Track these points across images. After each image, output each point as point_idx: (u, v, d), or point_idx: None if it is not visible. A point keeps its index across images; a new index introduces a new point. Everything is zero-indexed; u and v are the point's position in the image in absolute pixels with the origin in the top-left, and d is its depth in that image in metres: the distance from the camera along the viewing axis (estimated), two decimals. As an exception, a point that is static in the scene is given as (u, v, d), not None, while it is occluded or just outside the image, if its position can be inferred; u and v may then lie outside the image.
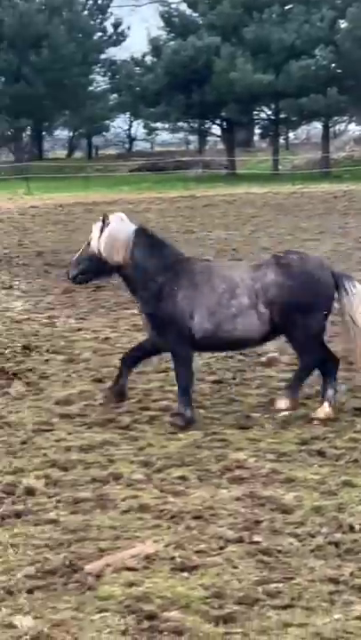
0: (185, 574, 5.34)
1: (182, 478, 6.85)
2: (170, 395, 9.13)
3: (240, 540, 5.76)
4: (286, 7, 53.60)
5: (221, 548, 5.66)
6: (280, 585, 5.17)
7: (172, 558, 5.52)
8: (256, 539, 5.77)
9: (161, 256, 8.52)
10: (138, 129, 79.06)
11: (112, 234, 8.44)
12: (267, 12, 52.00)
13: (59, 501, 6.48)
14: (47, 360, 10.79)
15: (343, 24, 50.39)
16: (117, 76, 61.57)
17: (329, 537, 5.77)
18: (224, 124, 59.88)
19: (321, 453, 7.35)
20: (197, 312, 8.29)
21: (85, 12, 65.44)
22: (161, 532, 5.93)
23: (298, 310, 8.28)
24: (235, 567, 5.40)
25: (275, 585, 5.17)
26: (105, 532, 5.94)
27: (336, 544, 5.67)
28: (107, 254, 8.40)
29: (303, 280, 8.35)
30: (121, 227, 8.57)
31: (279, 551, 5.59)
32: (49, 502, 6.48)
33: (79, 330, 12.54)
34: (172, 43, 55.51)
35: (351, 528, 5.88)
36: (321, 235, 23.87)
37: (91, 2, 66.52)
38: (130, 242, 8.44)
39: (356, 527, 5.88)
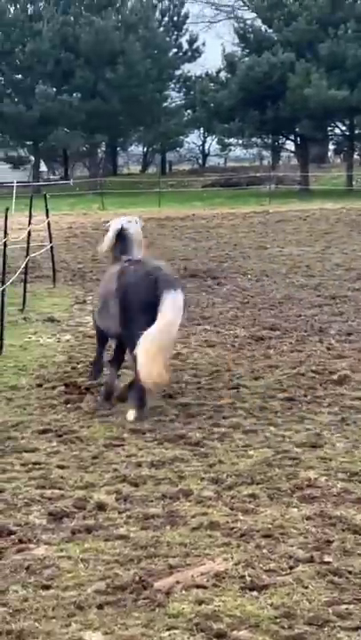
0: (255, 593, 5.32)
1: (252, 496, 6.83)
2: (240, 412, 9.13)
3: (310, 560, 5.72)
4: (362, 23, 53.35)
5: (291, 568, 5.63)
6: (351, 606, 5.12)
7: (242, 577, 5.50)
8: (327, 559, 5.72)
9: (119, 255, 9.97)
10: (211, 145, 79.51)
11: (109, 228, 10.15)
12: (342, 27, 51.82)
13: (129, 517, 6.51)
14: (119, 375, 10.83)
15: None
16: (192, 92, 61.93)
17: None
18: (298, 139, 59.77)
19: (393, 474, 7.27)
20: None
21: (161, 29, 65.94)
22: (231, 549, 5.91)
23: (124, 310, 9.35)
24: (305, 587, 5.36)
25: (345, 606, 5.13)
26: (175, 549, 5.94)
27: None
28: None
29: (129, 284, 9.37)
30: (114, 225, 10.15)
31: (350, 572, 5.54)
32: (119, 518, 6.51)
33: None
34: (246, 59, 55.62)
35: None
36: (395, 252, 23.67)
37: (166, 19, 67.02)
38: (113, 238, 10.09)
39: None
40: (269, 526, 6.25)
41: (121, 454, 7.90)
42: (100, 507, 6.68)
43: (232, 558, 5.76)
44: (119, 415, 9.08)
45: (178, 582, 5.43)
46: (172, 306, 9.13)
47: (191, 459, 7.75)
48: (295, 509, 6.57)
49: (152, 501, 6.80)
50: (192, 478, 7.25)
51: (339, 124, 59.72)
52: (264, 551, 5.86)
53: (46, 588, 5.46)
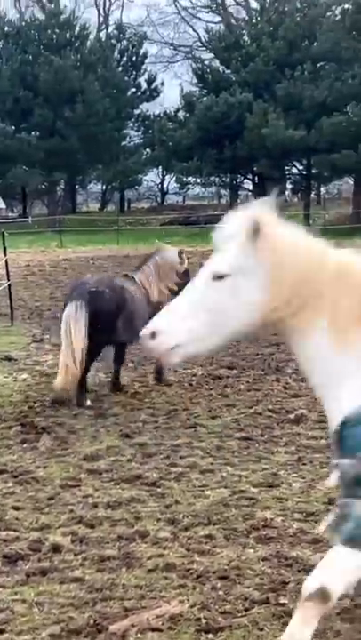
0: (210, 636, 5.30)
1: (209, 537, 6.81)
2: (198, 451, 9.13)
3: (266, 602, 5.72)
4: (318, 65, 54.07)
5: (247, 610, 5.62)
6: (306, 648, 5.12)
7: (198, 619, 5.49)
8: (282, 600, 5.72)
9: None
10: (170, 183, 79.96)
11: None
12: (299, 69, 52.53)
13: (85, 559, 6.47)
14: (76, 414, 10.81)
15: (375, 81, 50.77)
16: (150, 131, 62.28)
17: (356, 599, 5.71)
18: (256, 178, 60.29)
19: (349, 513, 7.28)
20: None
21: (120, 69, 66.38)
22: (186, 591, 5.89)
23: None
24: (260, 629, 5.36)
25: (300, 648, 5.11)
26: (130, 592, 5.91)
27: (364, 607, 5.62)
28: None
29: None
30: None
31: (305, 614, 5.54)
32: (75, 560, 6.46)
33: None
34: (204, 98, 56.13)
35: (378, 593, 5.82)
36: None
37: (125, 58, 67.51)
38: None
39: (383, 590, 5.82)
40: (225, 567, 6.24)
41: (77, 495, 7.85)
42: (56, 548, 6.63)
43: (188, 600, 5.74)
44: (76, 455, 9.04)
45: (133, 625, 5.40)
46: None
47: (148, 499, 7.72)
48: (251, 550, 6.57)
49: (108, 543, 6.76)
50: (149, 519, 7.23)
51: (296, 164, 60.36)
52: (220, 593, 5.85)
53: (0, 632, 5.40)
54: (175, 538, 6.83)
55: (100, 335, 11.33)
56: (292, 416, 10.45)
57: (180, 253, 12.61)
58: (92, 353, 11.31)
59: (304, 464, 8.69)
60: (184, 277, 11.67)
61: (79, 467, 8.67)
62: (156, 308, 10.40)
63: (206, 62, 63.08)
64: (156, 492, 7.92)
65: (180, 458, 8.93)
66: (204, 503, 7.58)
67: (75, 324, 11.09)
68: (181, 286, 11.18)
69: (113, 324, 11.44)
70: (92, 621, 5.46)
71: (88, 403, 11.22)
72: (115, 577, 6.14)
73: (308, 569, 6.18)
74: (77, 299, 11.22)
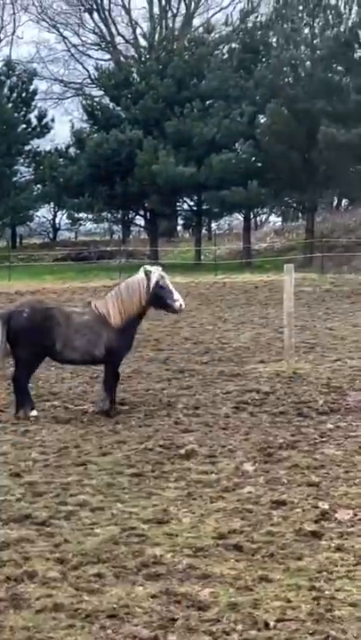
0: None
1: (98, 575, 6.78)
2: (88, 489, 9.09)
3: (155, 639, 5.71)
4: (207, 102, 54.80)
5: (136, 648, 5.60)
6: None
7: (86, 659, 5.44)
8: (171, 637, 5.72)
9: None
10: (62, 219, 79.79)
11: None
12: (188, 106, 53.15)
13: (-29, 602, 6.36)
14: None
15: (263, 119, 51.60)
16: (41, 167, 62.04)
17: (244, 634, 5.75)
18: (147, 214, 60.61)
19: (238, 547, 7.34)
20: None
21: (10, 105, 66.10)
22: (75, 631, 5.84)
23: None
24: (149, 667, 5.34)
25: None
26: (18, 633, 5.83)
27: (251, 641, 5.65)
28: None
29: None
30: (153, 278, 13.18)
31: (194, 650, 5.55)
32: None
33: (-2, 423, 12.43)
34: (95, 135, 56.25)
35: (266, 625, 5.86)
36: (242, 325, 24.14)
37: (15, 94, 67.26)
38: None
39: (271, 624, 5.87)
40: (114, 606, 6.21)
41: (-35, 536, 7.73)
42: None
43: (76, 640, 5.70)
44: (-37, 496, 8.90)
45: (20, 668, 5.33)
46: None
47: (37, 539, 7.64)
48: (141, 587, 6.56)
49: (-4, 585, 6.66)
50: (37, 559, 7.15)
51: (187, 200, 60.87)
52: (108, 632, 5.82)
53: None
54: (64, 577, 6.77)
55: (21, 350, 12.62)
56: (182, 451, 10.49)
57: (147, 272, 13.17)
58: (23, 366, 12.76)
59: (194, 499, 8.73)
60: (157, 295, 12.98)
61: (-33, 507, 8.54)
62: (120, 331, 12.77)
63: (96, 99, 63.21)
64: (46, 531, 7.84)
65: (71, 496, 8.88)
66: (94, 541, 7.54)
67: None
68: (161, 303, 12.97)
69: (33, 341, 12.51)
70: (-22, 666, 5.38)
71: (33, 413, 12.58)
72: (2, 619, 6.05)
73: (196, 604, 6.21)
74: None
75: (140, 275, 13.20)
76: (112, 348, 12.88)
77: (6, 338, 12.48)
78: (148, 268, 13.44)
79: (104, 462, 10.17)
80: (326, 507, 8.34)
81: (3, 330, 12.41)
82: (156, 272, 13.22)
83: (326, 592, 6.42)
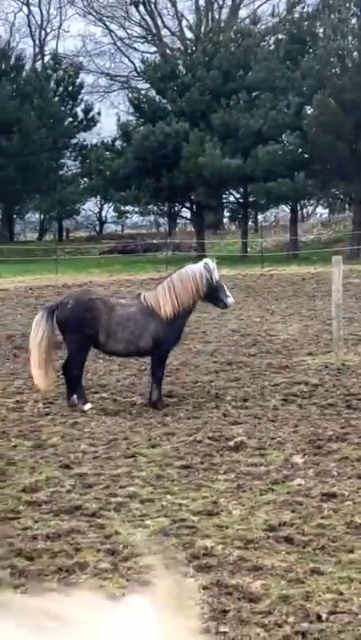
0: (151, 667, 5.25)
1: (149, 567, 6.79)
2: (137, 480, 9.11)
3: (207, 631, 5.69)
4: (253, 94, 54.60)
5: (188, 640, 5.59)
6: None
7: (138, 650, 5.44)
8: (223, 629, 5.71)
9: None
10: (108, 212, 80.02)
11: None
12: (234, 98, 53.00)
13: (24, 592, 6.39)
14: (15, 445, 10.73)
15: (309, 110, 51.28)
16: (88, 161, 62.24)
17: (296, 626, 5.73)
18: (193, 207, 60.56)
19: (288, 540, 7.32)
20: None
21: (56, 99, 66.40)
22: (127, 623, 5.84)
23: None
24: (201, 659, 5.33)
25: None
26: (70, 624, 5.85)
27: (303, 634, 5.63)
28: None
29: None
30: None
31: (246, 642, 5.55)
32: (14, 593, 6.39)
33: (47, 414, 12.49)
34: (141, 128, 56.28)
35: (318, 617, 5.84)
36: (290, 317, 24.05)
37: (61, 88, 67.55)
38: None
39: (323, 616, 5.85)
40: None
41: (16, 527, 7.78)
42: (-5, 582, 6.57)
43: (128, 632, 5.69)
44: (14, 487, 8.96)
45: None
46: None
47: (87, 530, 7.68)
48: (192, 579, 6.55)
49: (47, 575, 6.70)
50: (88, 550, 7.18)
51: (233, 192, 60.74)
52: (160, 623, 5.81)
53: None
54: (115, 568, 6.80)
55: (68, 341, 13.02)
56: (231, 443, 10.48)
57: (207, 265, 13.23)
58: (69, 357, 13.04)
59: (244, 491, 8.72)
60: (213, 288, 13.11)
61: (18, 498, 8.60)
62: (169, 323, 12.80)
63: (143, 92, 63.24)
64: (96, 522, 7.88)
65: (120, 488, 8.91)
66: (145, 533, 7.56)
67: (34, 330, 12.72)
68: (213, 297, 13.07)
69: (77, 332, 12.69)
70: (31, 656, 5.40)
71: (86, 407, 12.65)
72: (54, 610, 6.07)
73: (248, 596, 6.20)
74: (45, 308, 13.13)
75: (198, 266, 13.27)
76: (159, 340, 12.92)
77: (52, 329, 12.77)
78: (208, 260, 13.53)
79: (153, 454, 10.19)
80: (377, 499, 8.29)
81: (48, 322, 12.65)
82: (215, 265, 13.34)
83: (379, 585, 6.38)
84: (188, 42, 63.27)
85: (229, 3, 76.79)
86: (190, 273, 13.10)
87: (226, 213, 73.91)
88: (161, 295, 13.00)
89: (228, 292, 13.38)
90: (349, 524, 7.64)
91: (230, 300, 13.42)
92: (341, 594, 6.25)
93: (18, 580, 6.62)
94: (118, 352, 13.26)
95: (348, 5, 51.65)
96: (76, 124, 68.21)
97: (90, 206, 78.39)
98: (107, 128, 65.89)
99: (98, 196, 72.97)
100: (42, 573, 6.73)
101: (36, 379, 12.72)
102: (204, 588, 6.39)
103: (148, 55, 71.04)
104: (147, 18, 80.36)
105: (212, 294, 13.19)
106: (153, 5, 79.16)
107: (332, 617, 5.88)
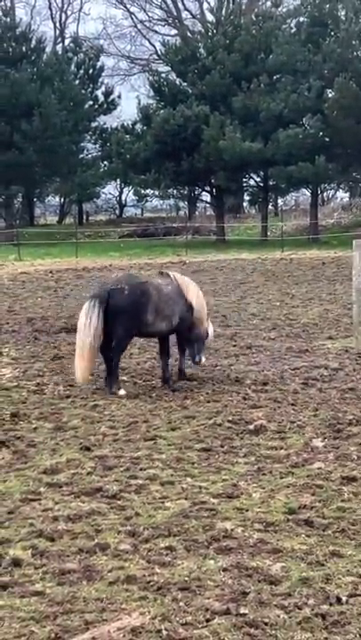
0: (171, 647, 5.30)
1: (169, 549, 6.82)
2: (157, 463, 9.14)
3: (227, 612, 5.73)
4: (274, 77, 54.39)
5: (208, 621, 5.63)
6: (267, 658, 5.14)
7: (159, 631, 5.49)
8: (243, 611, 5.74)
9: None
10: (128, 195, 79.98)
11: None
12: (255, 81, 52.80)
13: (45, 572, 6.45)
14: (35, 428, 10.78)
15: (331, 94, 51.01)
16: (108, 144, 62.19)
17: (316, 609, 5.75)
18: (213, 190, 60.45)
19: (308, 523, 7.33)
20: None
21: (77, 82, 66.33)
22: (147, 603, 5.90)
23: None
24: (221, 640, 5.37)
25: (261, 658, 5.14)
26: (91, 604, 5.90)
27: (323, 616, 5.65)
28: None
29: None
30: None
31: (266, 623, 5.57)
32: (35, 574, 6.44)
33: (68, 397, 12.53)
34: (161, 111, 56.15)
35: (338, 600, 5.86)
36: (310, 301, 24.02)
37: (82, 71, 67.47)
38: None
39: (343, 599, 5.86)
40: (186, 579, 6.25)
41: (37, 509, 7.83)
42: (16, 563, 6.61)
43: (149, 612, 5.74)
44: (35, 469, 9.01)
45: (94, 638, 5.40)
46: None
47: (108, 512, 7.72)
48: (212, 561, 6.59)
49: (68, 556, 6.75)
50: (109, 532, 7.22)
51: (253, 176, 60.58)
52: (181, 604, 5.86)
53: None
54: (136, 550, 6.83)
55: (120, 327, 12.78)
56: (251, 427, 10.49)
57: None
58: (116, 344, 12.90)
59: (264, 474, 8.73)
60: None
61: (39, 480, 8.65)
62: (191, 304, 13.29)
63: (163, 75, 63.06)
64: (117, 504, 7.91)
65: (140, 470, 8.94)
66: (165, 515, 7.59)
67: (86, 319, 12.53)
68: None
69: (133, 317, 12.81)
70: (52, 635, 5.45)
71: (121, 392, 12.55)
72: (75, 590, 6.13)
73: (268, 579, 6.22)
74: (94, 296, 12.85)
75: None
76: (184, 318, 13.29)
77: (103, 319, 12.58)
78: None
79: (173, 437, 10.22)
80: None
81: (100, 311, 12.54)
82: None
83: None
84: (208, 24, 62.93)
85: (251, -15, 76.38)
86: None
87: (246, 197, 73.74)
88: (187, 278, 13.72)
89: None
90: (369, 508, 7.64)
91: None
92: (361, 577, 6.26)
93: (39, 561, 6.66)
94: (160, 331, 13.34)
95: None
96: (96, 107, 68.15)
97: (110, 190, 78.45)
98: (127, 111, 65.88)
99: (118, 180, 72.95)
100: (63, 554, 6.77)
101: (80, 370, 12.54)
102: (225, 570, 6.42)
103: (169, 38, 70.89)
104: (167, 0, 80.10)
105: None
106: (174, -12, 78.87)
107: (352, 599, 5.89)
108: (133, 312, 12.77)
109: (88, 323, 12.50)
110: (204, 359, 13.74)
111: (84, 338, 12.52)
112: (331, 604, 5.81)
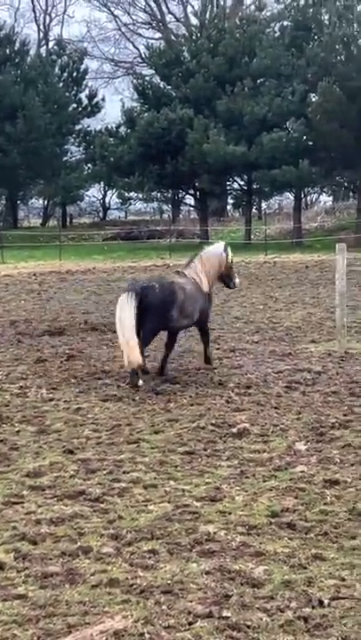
0: (154, 650, 5.30)
1: (152, 552, 6.83)
2: (141, 466, 9.14)
3: (210, 615, 5.74)
4: (258, 81, 54.50)
5: (190, 624, 5.64)
6: (249, 661, 5.15)
7: (141, 634, 5.49)
8: (225, 614, 5.75)
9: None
10: (112, 198, 79.96)
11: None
12: (239, 85, 52.89)
13: (28, 576, 6.44)
14: (18, 431, 10.76)
15: (314, 98, 51.16)
16: (92, 147, 62.18)
17: (298, 612, 5.76)
18: (197, 193, 60.51)
19: (291, 526, 7.35)
20: None
21: (61, 84, 66.31)
22: (130, 607, 5.90)
23: None
24: (204, 643, 5.37)
25: (244, 661, 5.14)
26: (73, 608, 5.90)
27: (305, 619, 5.67)
28: None
29: None
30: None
31: (248, 626, 5.58)
32: (18, 577, 6.43)
33: (51, 400, 12.52)
34: (146, 114, 56.19)
35: (320, 603, 5.88)
36: (293, 304, 24.06)
37: (66, 74, 67.45)
38: None
39: (326, 602, 5.88)
40: (169, 582, 6.25)
41: (20, 512, 7.82)
42: (-1, 566, 6.60)
43: (131, 615, 5.74)
44: (18, 472, 9.00)
45: (77, 642, 5.39)
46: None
47: (91, 515, 7.71)
48: (194, 564, 6.59)
49: (51, 559, 6.74)
50: (92, 535, 7.22)
51: (237, 179, 60.66)
52: (163, 607, 5.86)
53: None
54: (118, 553, 6.83)
55: (150, 323, 13.66)
56: (234, 430, 10.50)
57: (226, 246, 15.03)
58: (144, 339, 13.64)
59: (247, 477, 8.75)
60: (229, 268, 14.97)
61: (21, 483, 8.63)
62: (208, 296, 14.61)
63: (147, 78, 63.19)
64: (99, 507, 7.91)
65: (124, 473, 8.94)
66: (148, 518, 7.59)
67: (122, 311, 13.33)
68: (226, 276, 14.82)
69: (161, 314, 13.67)
70: (35, 638, 5.45)
71: (140, 383, 13.25)
72: (58, 593, 6.13)
73: (250, 582, 6.24)
74: (129, 290, 13.66)
75: (219, 246, 15.15)
76: (204, 311, 14.54)
77: (136, 310, 13.39)
78: (223, 243, 15.54)
79: (156, 440, 10.22)
80: (380, 486, 8.32)
81: (134, 303, 13.35)
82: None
83: (380, 571, 6.41)
84: (192, 28, 63.12)
85: (235, -11, 76.55)
86: (215, 251, 14.94)
87: (230, 200, 73.81)
88: (199, 272, 14.51)
89: (235, 275, 15.31)
90: (352, 511, 7.67)
91: (237, 280, 15.41)
92: (344, 580, 6.28)
93: (21, 564, 6.65)
94: (184, 326, 14.54)
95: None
96: (80, 109, 68.18)
97: (93, 192, 78.44)
98: (111, 114, 65.93)
99: (101, 183, 72.95)
100: (45, 558, 6.76)
101: (132, 354, 13.09)
102: (207, 573, 6.42)
103: (153, 41, 70.93)
104: (151, 3, 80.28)
105: (227, 273, 15.03)
106: (158, -9, 78.93)
107: (335, 602, 5.91)
108: (162, 309, 13.63)
109: (123, 314, 13.31)
110: None
111: (122, 326, 13.29)
112: (313, 607, 5.83)
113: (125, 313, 13.27)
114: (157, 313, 13.61)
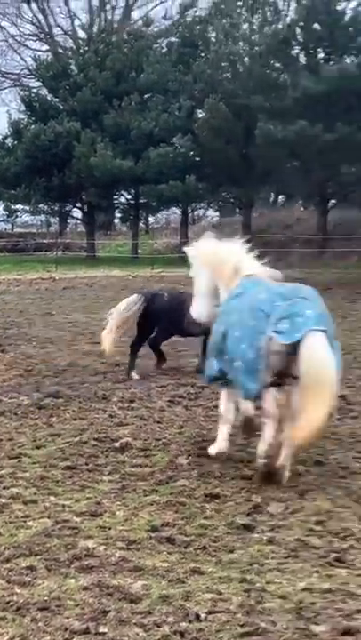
0: (29, 668, 5.25)
1: (30, 568, 6.76)
2: (21, 481, 9.06)
3: (86, 631, 5.72)
4: (145, 96, 54.74)
5: (67, 640, 5.61)
6: None
7: (17, 652, 5.44)
8: (102, 629, 5.73)
9: None
10: (-2, 210, 79.05)
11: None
12: (126, 100, 53.04)
13: None
14: None
15: (201, 114, 51.62)
16: (-22, 158, 61.37)
17: (175, 626, 5.78)
18: (84, 207, 60.38)
19: (171, 540, 7.37)
20: None
21: None
22: (6, 624, 5.83)
23: None
24: (80, 659, 5.35)
25: None
26: None
27: (182, 633, 5.69)
28: None
29: None
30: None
31: (125, 642, 5.58)
32: None
33: None
34: (32, 126, 55.86)
35: (197, 617, 5.91)
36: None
37: None
38: None
39: (202, 616, 5.92)
40: (46, 598, 6.21)
41: None
42: None
43: (7, 633, 5.68)
44: None
45: None
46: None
47: (-31, 532, 7.60)
48: (73, 580, 6.56)
49: None
50: (-31, 552, 7.11)
51: (124, 193, 60.76)
52: (40, 624, 5.81)
53: None
54: (-4, 570, 6.75)
55: (160, 327, 15.50)
56: (117, 444, 10.49)
57: None
58: (157, 338, 15.77)
59: (128, 492, 8.75)
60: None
61: None
62: None
63: (34, 90, 62.80)
64: (-22, 524, 7.80)
65: (4, 489, 8.84)
66: (27, 534, 7.52)
67: (126, 305, 15.00)
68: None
69: (169, 320, 15.29)
70: None
71: (135, 377, 14.95)
72: None
73: (128, 597, 6.23)
74: (140, 293, 15.49)
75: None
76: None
77: (138, 312, 15.11)
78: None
79: (38, 455, 10.14)
80: (259, 500, 8.41)
81: (140, 305, 15.07)
82: None
83: (257, 584, 6.48)
84: (80, 41, 63.09)
85: (122, 4, 76.87)
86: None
87: (117, 214, 73.78)
88: None
89: None
90: (230, 525, 7.74)
91: None
92: (220, 593, 6.33)
93: None
94: (195, 333, 15.06)
95: (239, 11, 52.15)
96: (-35, 120, 67.24)
97: (-21, 204, 77.31)
98: (-3, 126, 65.13)
99: (-13, 195, 72.00)
100: None
101: (105, 341, 14.93)
102: (85, 588, 6.40)
103: (41, 53, 70.54)
104: (39, 16, 79.75)
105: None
106: (45, 4, 78.57)
107: (211, 616, 5.95)
108: (169, 316, 15.16)
109: (124, 308, 14.93)
110: None
111: (116, 315, 14.90)
112: (190, 622, 5.86)
113: (127, 309, 14.94)
114: (164, 320, 15.27)
